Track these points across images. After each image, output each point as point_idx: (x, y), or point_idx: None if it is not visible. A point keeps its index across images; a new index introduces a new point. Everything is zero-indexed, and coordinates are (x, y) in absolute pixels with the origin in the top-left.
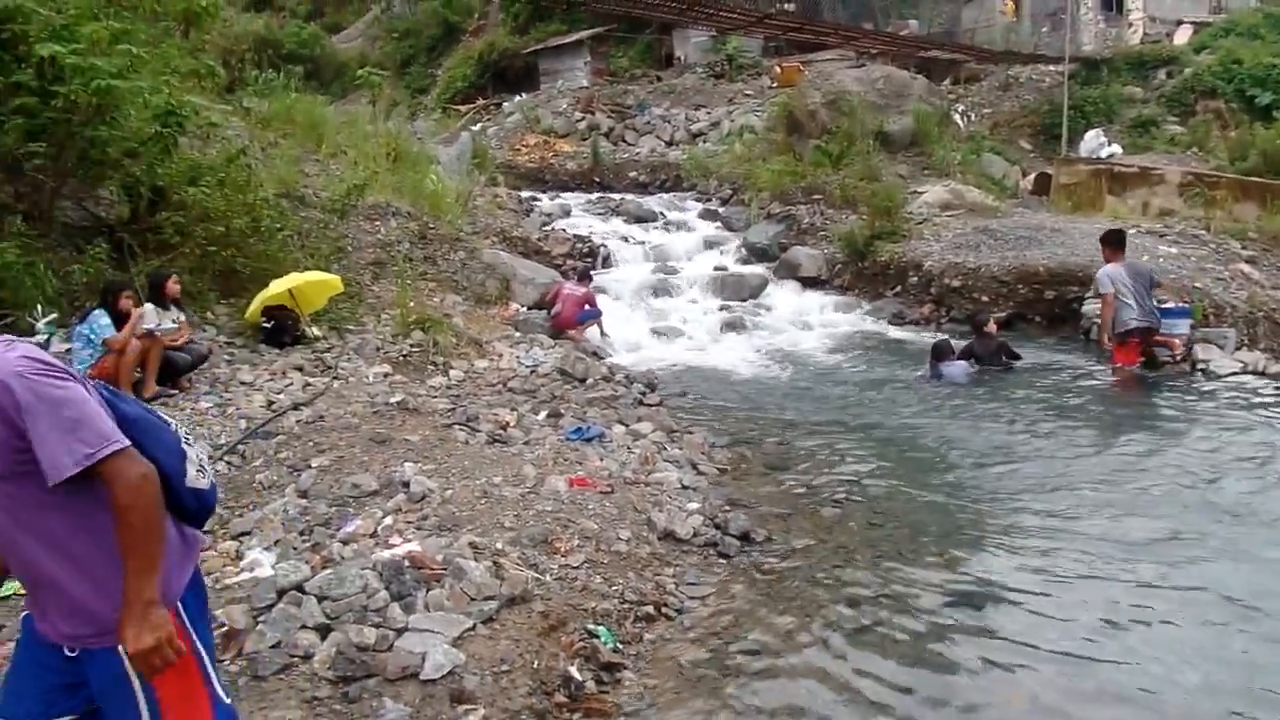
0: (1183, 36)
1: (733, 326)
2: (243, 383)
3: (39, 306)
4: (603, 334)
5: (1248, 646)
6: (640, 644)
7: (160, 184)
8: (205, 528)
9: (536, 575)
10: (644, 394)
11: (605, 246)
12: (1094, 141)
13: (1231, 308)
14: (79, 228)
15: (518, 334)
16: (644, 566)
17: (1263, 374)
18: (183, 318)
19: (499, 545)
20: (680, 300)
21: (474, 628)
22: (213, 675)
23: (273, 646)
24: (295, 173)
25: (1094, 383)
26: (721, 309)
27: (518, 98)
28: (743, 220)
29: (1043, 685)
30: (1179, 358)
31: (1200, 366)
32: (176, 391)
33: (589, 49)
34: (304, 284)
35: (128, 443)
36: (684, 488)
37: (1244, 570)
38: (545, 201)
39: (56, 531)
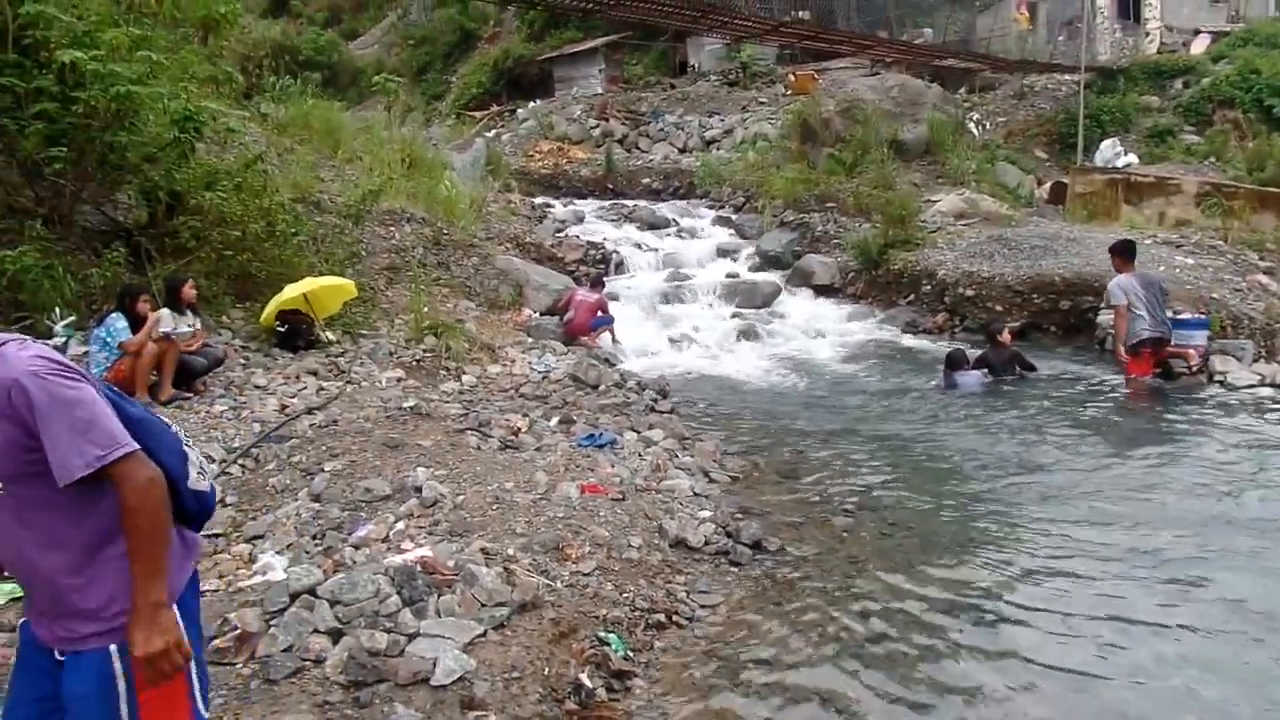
0: (1200, 46)
1: (745, 334)
2: (257, 386)
3: (57, 309)
4: (615, 340)
5: (1267, 663)
6: (651, 652)
7: (178, 189)
8: (219, 531)
9: (548, 582)
10: (656, 401)
11: (618, 253)
12: (1110, 151)
13: (1249, 319)
14: (97, 232)
15: (530, 340)
16: (655, 574)
17: None
18: (198, 323)
19: (510, 551)
20: (693, 307)
21: (485, 634)
22: (196, 688)
23: (285, 650)
24: (311, 178)
25: (1109, 394)
26: (734, 316)
27: (532, 104)
28: (756, 228)
29: (1056, 701)
30: (1195, 369)
31: (1217, 378)
32: (192, 395)
33: (604, 56)
34: (318, 289)
35: (136, 445)
36: (696, 495)
37: (1262, 585)
38: (558, 208)
39: (58, 532)
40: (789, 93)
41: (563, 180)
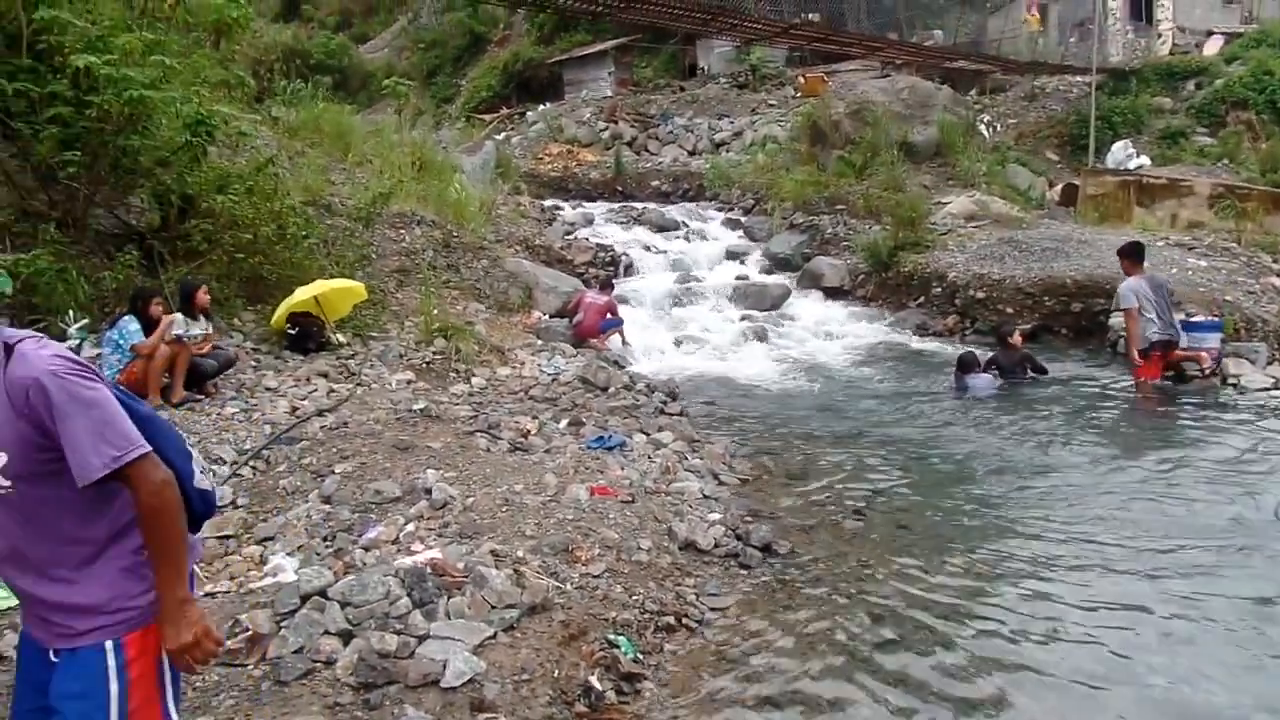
0: (1213, 47)
1: (755, 336)
2: (268, 389)
3: (71, 312)
4: (624, 343)
5: None
6: (661, 655)
7: (190, 192)
8: (230, 532)
9: (557, 584)
10: (665, 403)
11: (627, 255)
12: (1122, 153)
13: (1263, 321)
14: (110, 235)
15: (539, 342)
16: (665, 577)
17: None
18: (211, 327)
19: (520, 553)
20: (702, 309)
21: (495, 636)
22: (169, 693)
23: (295, 652)
24: (322, 181)
25: (1121, 397)
26: (743, 319)
27: (542, 107)
28: (765, 230)
29: (1067, 707)
30: (1208, 371)
31: (1231, 381)
32: (203, 397)
33: (613, 59)
34: (329, 291)
35: (149, 447)
36: (705, 498)
37: (1276, 590)
38: (568, 210)
39: (65, 531)
40: (798, 95)
41: (572, 183)
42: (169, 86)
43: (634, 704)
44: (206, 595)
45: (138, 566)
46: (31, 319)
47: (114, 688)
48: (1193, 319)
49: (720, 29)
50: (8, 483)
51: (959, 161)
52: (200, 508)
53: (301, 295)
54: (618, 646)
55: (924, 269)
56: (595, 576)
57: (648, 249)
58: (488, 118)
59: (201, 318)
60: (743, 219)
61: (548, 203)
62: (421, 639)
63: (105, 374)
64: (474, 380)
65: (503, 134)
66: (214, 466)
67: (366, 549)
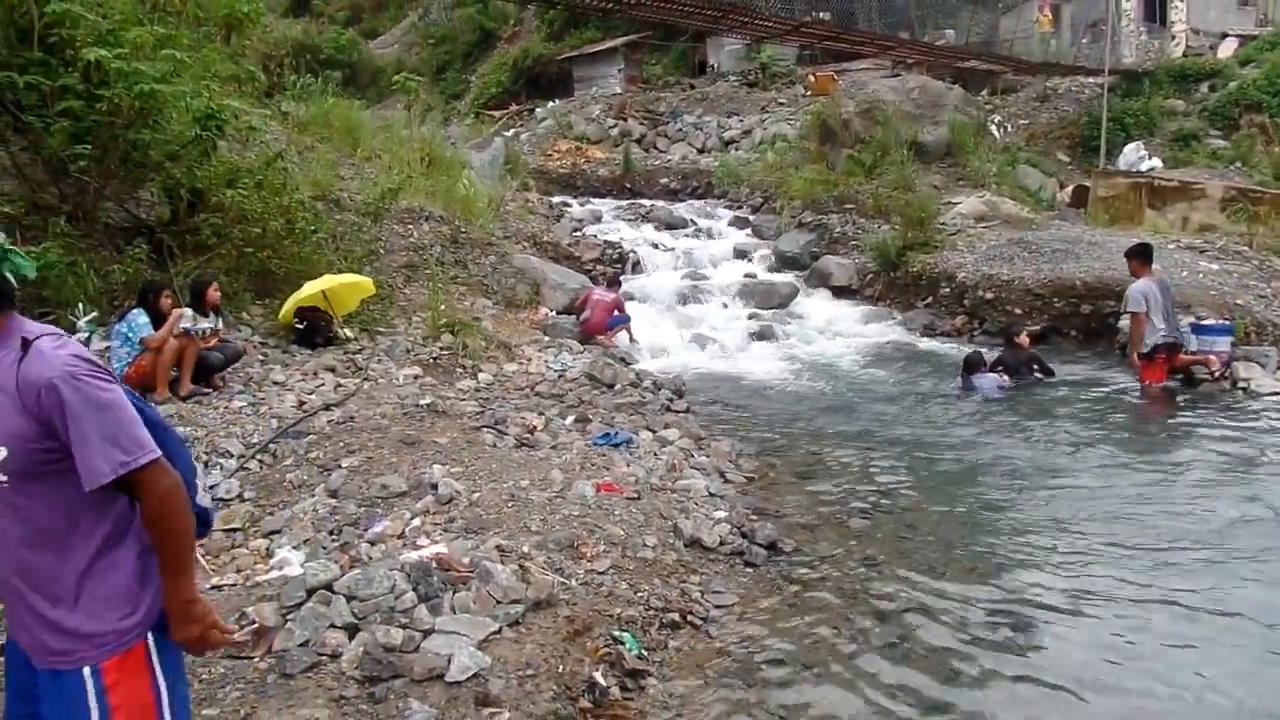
0: (1227, 49)
1: (762, 335)
2: (275, 383)
3: (80, 305)
4: (631, 340)
5: None
6: (665, 651)
7: (199, 186)
8: (236, 526)
9: (562, 580)
10: (672, 400)
11: (635, 253)
12: (1134, 154)
13: (1274, 325)
14: (120, 228)
15: (546, 338)
16: (670, 573)
17: None
18: (220, 322)
19: (525, 549)
20: (709, 307)
21: (500, 631)
22: (166, 713)
23: (301, 645)
24: (331, 176)
25: (1130, 400)
26: (751, 317)
27: (551, 104)
28: (774, 228)
29: (1073, 707)
30: (1216, 375)
31: (1241, 385)
32: (211, 390)
33: (623, 56)
34: (337, 286)
35: (159, 452)
36: (711, 495)
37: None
38: (576, 207)
39: (57, 534)
40: (808, 93)
41: (580, 180)
42: (179, 81)
43: (638, 700)
44: (213, 588)
45: (121, 590)
46: (41, 311)
47: (95, 716)
48: (1203, 322)
49: (731, 26)
50: (4, 477)
51: (969, 162)
52: (197, 527)
53: (309, 290)
54: (622, 643)
55: (933, 269)
56: (600, 573)
57: (656, 246)
58: (497, 114)
59: (211, 313)
60: (751, 217)
61: (556, 199)
62: (427, 633)
63: (114, 366)
64: (481, 376)
65: (512, 130)
66: (221, 459)
67: (372, 543)
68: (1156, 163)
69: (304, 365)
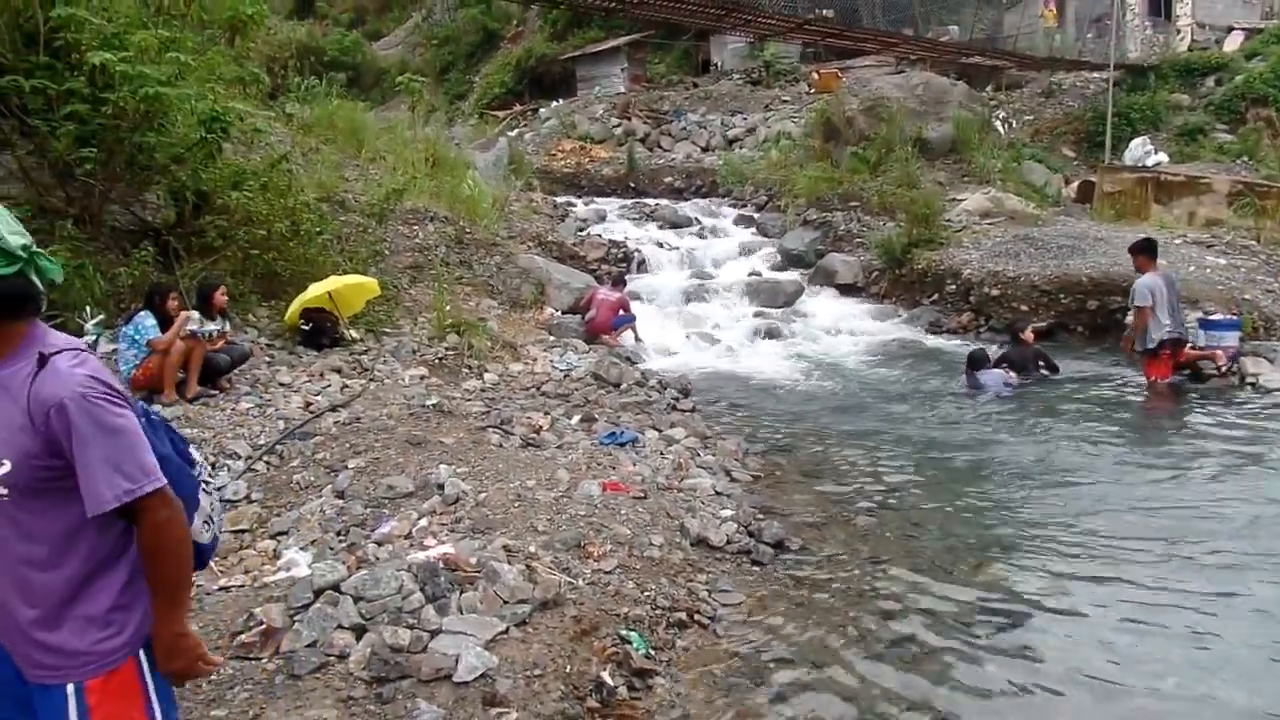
0: (1233, 43)
1: (767, 333)
2: (281, 384)
3: (87, 308)
4: (637, 339)
5: None
6: (672, 651)
7: (205, 189)
8: (244, 527)
9: (569, 579)
10: (677, 399)
11: (640, 252)
12: (1139, 149)
13: None
14: (126, 231)
15: (552, 338)
16: (677, 573)
17: None
18: (227, 325)
19: (532, 548)
20: (714, 306)
21: (507, 631)
22: None
23: (309, 646)
24: (335, 178)
25: (1137, 396)
26: (756, 315)
27: (555, 103)
28: (778, 226)
29: (1079, 708)
30: (1224, 370)
31: (1249, 380)
32: (217, 392)
33: (626, 55)
34: (342, 287)
35: (164, 481)
36: (717, 494)
37: None
38: (580, 207)
39: (52, 550)
40: (812, 91)
41: (585, 179)
42: (184, 83)
43: (646, 700)
44: (220, 589)
45: (106, 611)
46: (48, 315)
47: None
48: (1211, 317)
49: (734, 25)
50: (4, 490)
51: (974, 158)
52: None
53: (315, 291)
54: (629, 642)
55: (938, 266)
56: (607, 572)
57: (660, 245)
58: (501, 114)
59: (218, 315)
60: (756, 215)
61: (560, 199)
62: (434, 634)
63: (121, 369)
64: (486, 376)
65: (516, 130)
66: (228, 461)
67: (379, 544)
68: (1162, 157)
69: (310, 366)
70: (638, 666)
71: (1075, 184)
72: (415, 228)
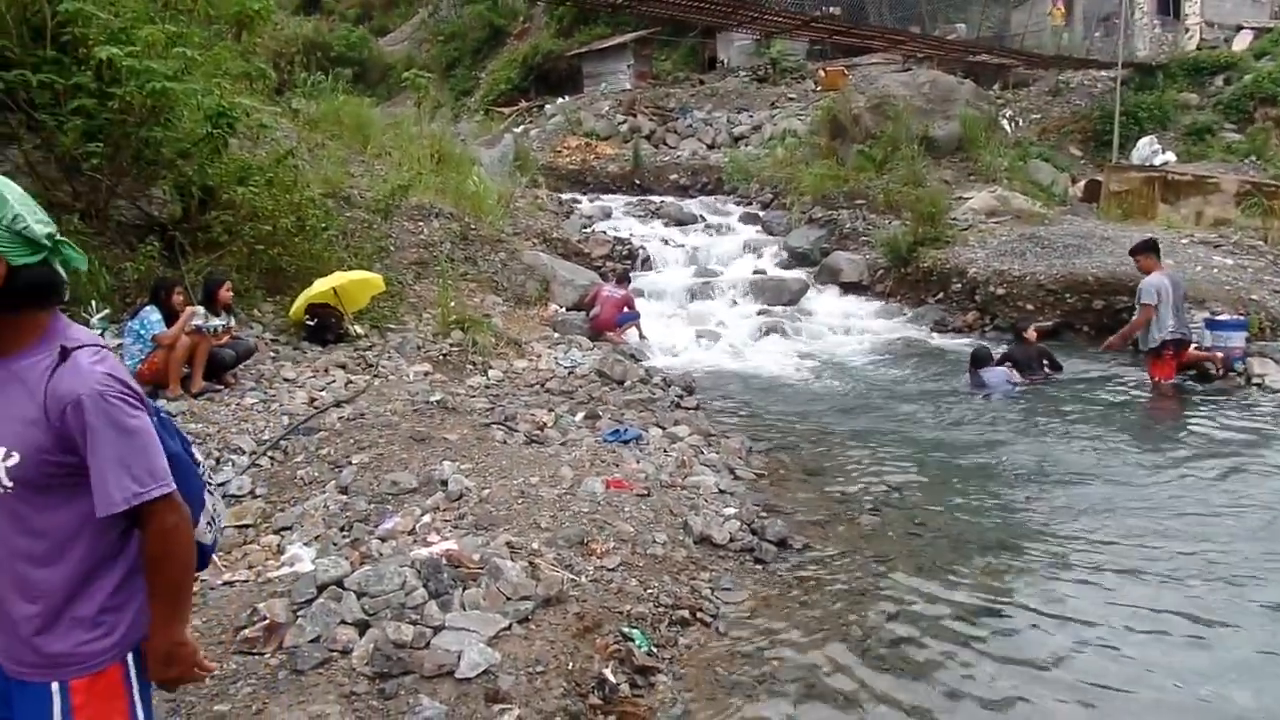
0: (1242, 42)
1: (772, 331)
2: (286, 379)
3: (93, 303)
4: (641, 336)
5: None
6: (675, 648)
7: (211, 184)
8: (248, 522)
9: (572, 576)
10: (681, 397)
11: (645, 249)
12: (1147, 149)
13: None
14: (132, 226)
15: (556, 335)
16: (679, 570)
17: None
18: (232, 321)
19: (535, 545)
20: (719, 304)
21: (509, 627)
22: None
23: (312, 641)
24: (341, 173)
25: (1142, 396)
26: (761, 313)
27: (560, 100)
28: (784, 224)
29: (1085, 707)
30: (1223, 371)
31: (1255, 380)
32: (222, 387)
33: (632, 52)
34: (347, 283)
35: (173, 486)
36: (721, 492)
37: None
38: (586, 204)
39: (50, 546)
40: (819, 89)
41: (590, 176)
42: (191, 79)
43: (648, 697)
44: (224, 584)
45: (98, 614)
46: None
47: None
48: (1218, 317)
49: (740, 22)
50: (10, 482)
51: (981, 156)
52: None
53: (320, 287)
54: (632, 640)
55: (944, 265)
56: (610, 569)
57: (665, 243)
58: (506, 110)
59: (223, 311)
60: (761, 213)
61: (565, 196)
62: (437, 630)
63: (127, 363)
64: (491, 373)
65: (521, 127)
66: (233, 456)
67: (383, 539)
68: (1170, 157)
69: (315, 362)
70: (640, 664)
71: (1082, 183)
72: (420, 224)
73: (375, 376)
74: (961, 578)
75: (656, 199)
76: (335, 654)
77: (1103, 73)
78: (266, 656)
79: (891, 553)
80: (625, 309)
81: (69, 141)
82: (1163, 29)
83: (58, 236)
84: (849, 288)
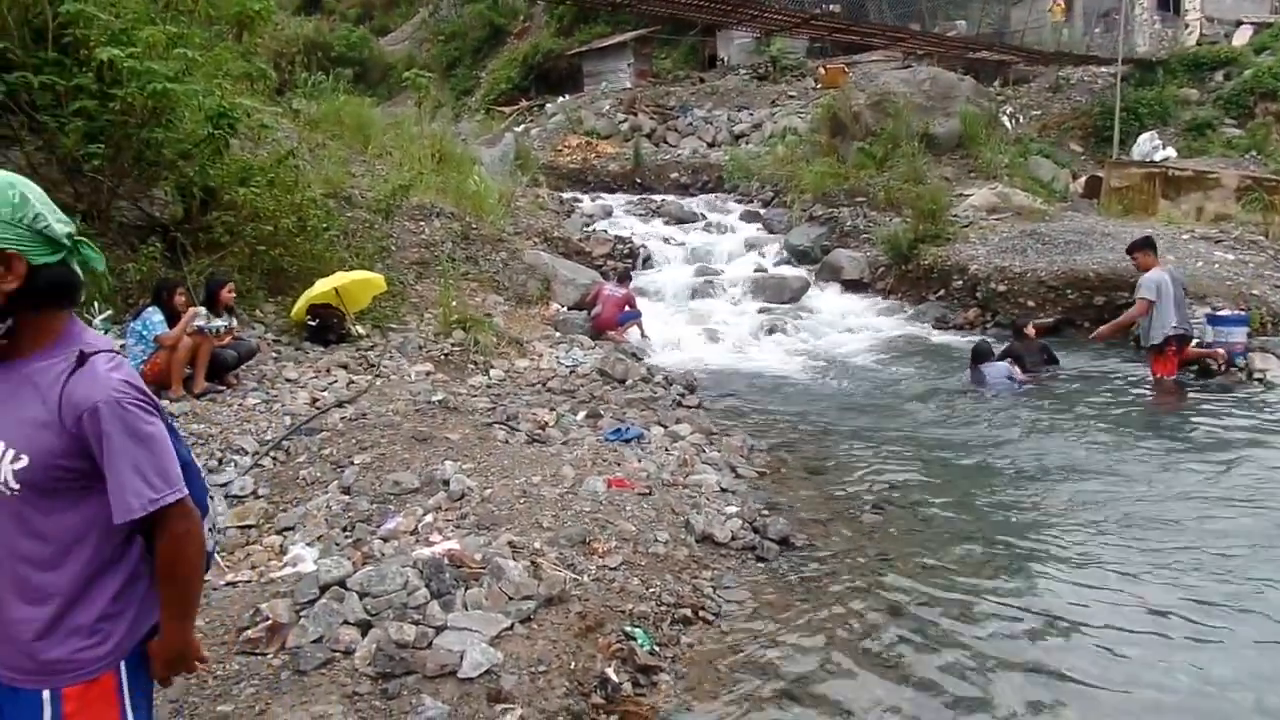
0: (1242, 37)
1: (773, 329)
2: (288, 380)
3: (95, 304)
4: (643, 335)
5: None
6: (677, 647)
7: (212, 184)
8: (251, 522)
9: (574, 576)
10: (683, 395)
11: (646, 248)
12: (1147, 144)
13: None
14: (134, 227)
15: (558, 334)
16: (681, 569)
17: None
18: (234, 321)
19: (537, 545)
20: (721, 302)
21: (512, 627)
22: None
23: (315, 641)
24: (342, 173)
25: (1144, 393)
26: (762, 311)
27: (561, 99)
28: (784, 222)
29: (1088, 706)
30: (1225, 367)
31: (1257, 376)
32: (224, 388)
33: (633, 51)
34: (349, 283)
35: (185, 491)
36: (722, 490)
37: None
38: (587, 202)
39: (52, 552)
40: (819, 86)
41: (591, 175)
42: (192, 79)
43: (650, 696)
44: (227, 585)
45: (96, 621)
46: None
47: None
48: (1219, 313)
49: (741, 20)
50: (16, 485)
51: (981, 153)
52: None
53: (322, 287)
54: (634, 638)
55: (944, 262)
56: (612, 568)
57: (666, 241)
58: (507, 110)
59: (225, 311)
60: (762, 211)
61: (566, 195)
62: (439, 630)
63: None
64: (492, 372)
65: (522, 126)
66: (235, 456)
67: (385, 539)
68: (1171, 152)
69: (317, 362)
70: (642, 663)
71: (1083, 179)
72: (421, 224)
73: (377, 376)
74: (963, 576)
75: (657, 197)
76: (338, 654)
77: (1103, 69)
78: (269, 657)
79: (893, 551)
80: (626, 308)
81: (70, 143)
82: (1163, 24)
83: (76, 236)
84: (850, 285)
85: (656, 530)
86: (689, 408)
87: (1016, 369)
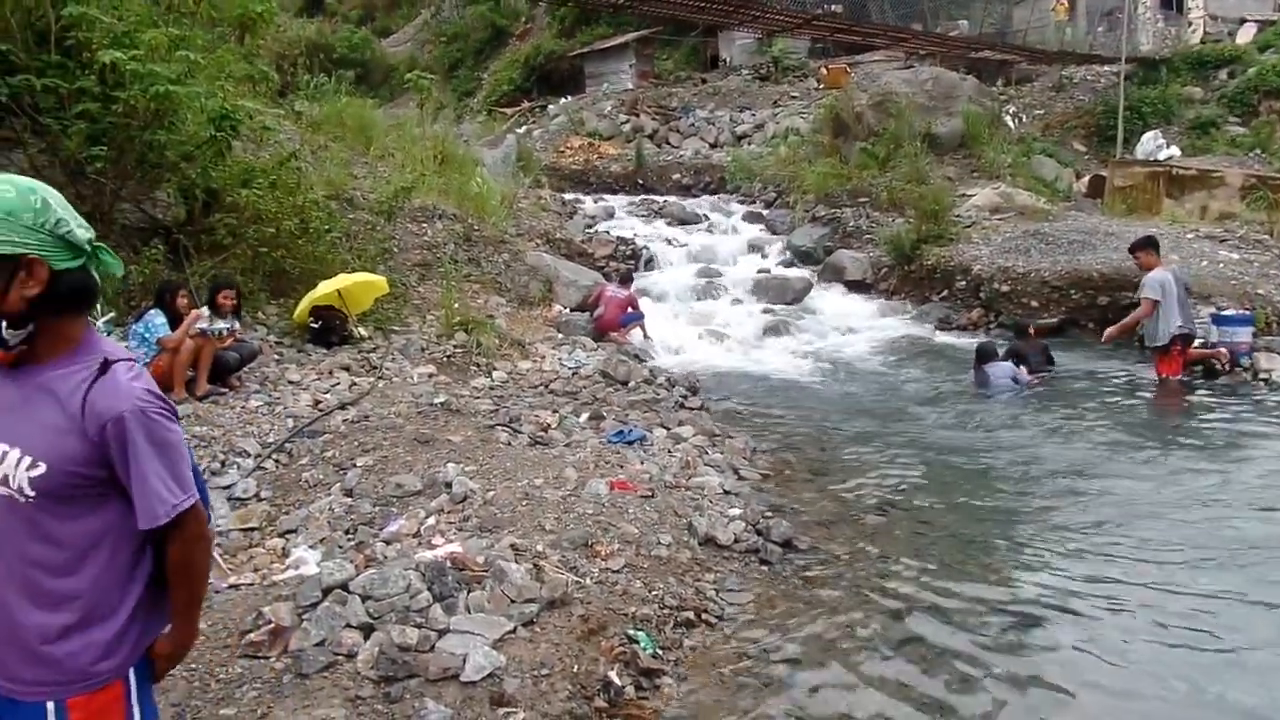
0: (1246, 35)
1: (776, 330)
2: (291, 382)
3: (98, 306)
4: (645, 336)
5: None
6: (680, 650)
7: (214, 187)
8: (253, 525)
9: (577, 578)
10: (686, 397)
11: (648, 249)
12: (1151, 143)
13: None
14: (137, 229)
15: (560, 336)
16: (684, 572)
17: None
18: (236, 324)
19: (540, 547)
20: (723, 303)
21: (514, 630)
22: None
23: (317, 644)
24: (344, 175)
25: (1148, 393)
26: (764, 312)
27: (563, 100)
28: (787, 223)
29: (1091, 708)
30: (1230, 366)
31: (1262, 376)
32: (226, 390)
33: (634, 52)
34: (351, 285)
35: (198, 496)
36: (725, 493)
37: None
38: (589, 204)
39: (74, 561)
40: (821, 86)
41: (593, 176)
42: (194, 82)
43: (653, 699)
44: (230, 587)
45: (111, 630)
46: None
47: None
48: (1224, 312)
49: (742, 21)
50: (32, 493)
51: (984, 153)
52: None
53: (324, 289)
54: (637, 642)
55: (947, 262)
56: (615, 571)
57: (669, 242)
58: (509, 111)
59: (227, 314)
60: (764, 212)
61: (569, 196)
62: (441, 633)
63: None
64: (495, 374)
65: (524, 128)
66: (238, 459)
67: (388, 542)
68: (1174, 151)
69: (319, 364)
70: (645, 666)
71: (1086, 179)
72: (424, 225)
73: (379, 379)
74: (967, 578)
75: (659, 199)
76: (340, 657)
77: (1106, 68)
78: (271, 660)
79: (897, 553)
80: (629, 309)
81: (73, 145)
82: (1166, 23)
83: (95, 241)
84: (853, 286)
85: (659, 533)
86: (691, 409)
87: (1023, 370)
